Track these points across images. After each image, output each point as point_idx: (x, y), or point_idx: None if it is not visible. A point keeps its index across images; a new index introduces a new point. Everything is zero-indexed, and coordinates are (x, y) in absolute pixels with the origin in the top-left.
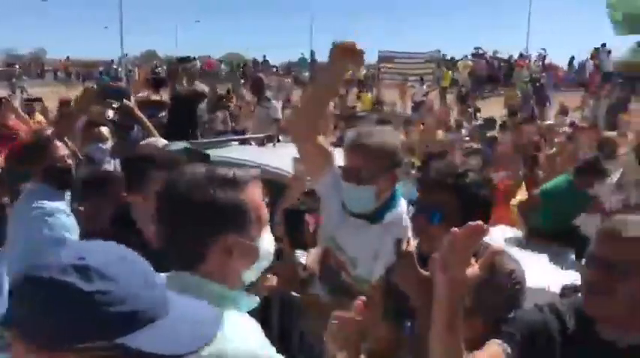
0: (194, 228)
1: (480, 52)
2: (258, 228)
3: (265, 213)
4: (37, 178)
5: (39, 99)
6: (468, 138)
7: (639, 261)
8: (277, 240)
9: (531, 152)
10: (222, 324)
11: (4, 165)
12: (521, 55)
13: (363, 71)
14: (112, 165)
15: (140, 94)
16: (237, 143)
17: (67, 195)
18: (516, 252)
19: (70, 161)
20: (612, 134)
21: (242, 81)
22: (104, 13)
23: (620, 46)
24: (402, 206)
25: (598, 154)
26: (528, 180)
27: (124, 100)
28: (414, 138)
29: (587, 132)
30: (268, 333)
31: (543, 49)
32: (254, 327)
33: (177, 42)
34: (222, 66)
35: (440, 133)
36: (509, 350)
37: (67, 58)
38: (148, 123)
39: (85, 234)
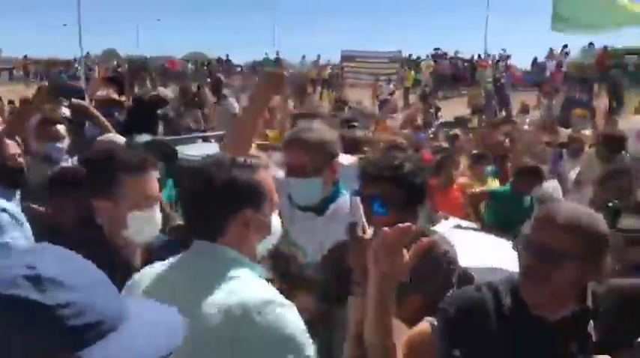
0: (218, 203)
1: (440, 52)
2: (270, 207)
3: (276, 195)
4: None
5: None
6: (432, 136)
7: (572, 248)
8: None
9: (502, 151)
10: (181, 329)
11: None
12: (479, 56)
13: (328, 70)
14: (70, 163)
15: (99, 93)
16: (200, 140)
17: (17, 194)
18: (468, 235)
19: (21, 160)
20: (567, 131)
21: (208, 79)
22: (62, 12)
23: (577, 47)
24: (345, 196)
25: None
26: (501, 178)
27: (73, 99)
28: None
29: (535, 132)
30: None
31: (504, 49)
32: (265, 283)
33: (139, 41)
34: (190, 65)
35: (403, 131)
36: (435, 322)
37: (25, 56)
38: (105, 121)
39: (46, 236)
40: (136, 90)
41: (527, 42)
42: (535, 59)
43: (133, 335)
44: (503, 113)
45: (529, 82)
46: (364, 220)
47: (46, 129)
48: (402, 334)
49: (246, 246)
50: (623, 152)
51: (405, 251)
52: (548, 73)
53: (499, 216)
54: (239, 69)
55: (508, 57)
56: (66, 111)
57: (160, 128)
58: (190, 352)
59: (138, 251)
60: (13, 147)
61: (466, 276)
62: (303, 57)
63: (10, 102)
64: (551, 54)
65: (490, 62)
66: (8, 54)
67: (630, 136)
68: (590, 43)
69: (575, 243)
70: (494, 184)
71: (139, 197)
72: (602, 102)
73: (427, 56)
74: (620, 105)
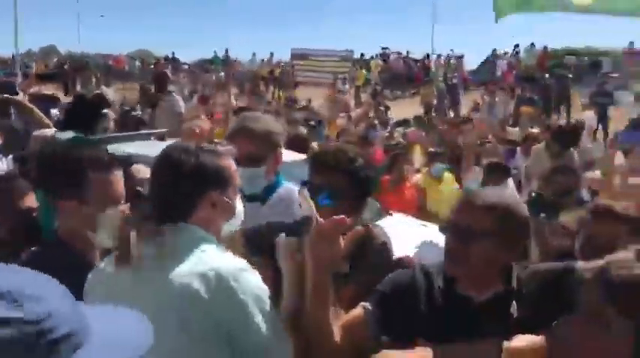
0: (187, 186)
1: (388, 51)
2: (234, 191)
3: (238, 180)
4: None
5: None
6: (388, 135)
7: (488, 227)
8: None
9: (458, 150)
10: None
11: None
12: (427, 56)
13: (278, 69)
14: (5, 163)
15: (33, 89)
16: (153, 138)
17: None
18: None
19: None
20: (514, 130)
21: None
22: None
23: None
24: (286, 186)
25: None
26: (457, 176)
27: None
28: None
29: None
30: None
31: (452, 49)
32: (233, 255)
33: (80, 37)
34: (137, 62)
35: (353, 129)
36: (369, 306)
37: None
38: (41, 115)
39: None
40: (78, 88)
41: (474, 42)
42: (487, 59)
43: (101, 346)
44: (452, 113)
45: (476, 81)
46: (315, 211)
47: None
48: (339, 320)
49: (213, 226)
50: (572, 149)
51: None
52: (499, 73)
53: None
54: (186, 67)
55: (461, 56)
56: None
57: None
58: (163, 317)
59: (98, 252)
60: None
61: (403, 267)
62: (254, 55)
63: None
64: (494, 54)
65: (442, 61)
66: None
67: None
68: (532, 44)
69: (491, 222)
70: (449, 181)
71: (106, 196)
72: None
73: (375, 55)
74: (568, 104)
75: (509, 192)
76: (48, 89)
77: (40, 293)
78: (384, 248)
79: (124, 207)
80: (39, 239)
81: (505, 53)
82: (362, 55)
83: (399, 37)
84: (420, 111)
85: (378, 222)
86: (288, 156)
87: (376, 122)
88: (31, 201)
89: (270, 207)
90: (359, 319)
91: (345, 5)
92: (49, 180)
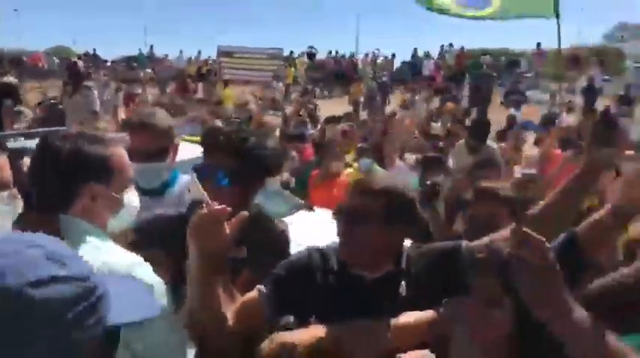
0: (63, 175)
1: (314, 50)
2: (122, 183)
3: (130, 173)
4: None
5: None
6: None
7: (373, 209)
8: None
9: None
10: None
11: None
12: (353, 54)
13: (206, 67)
14: None
15: None
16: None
17: None
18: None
19: None
20: (437, 126)
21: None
22: None
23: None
24: (182, 179)
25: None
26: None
27: None
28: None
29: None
30: None
31: (377, 49)
32: (122, 248)
33: None
34: (55, 59)
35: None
36: (264, 289)
37: None
38: None
39: None
40: None
41: (397, 42)
42: (412, 57)
43: (121, 308)
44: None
45: (398, 80)
46: (205, 194)
47: None
48: (234, 304)
49: (97, 220)
50: (488, 142)
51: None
52: (427, 72)
53: None
54: (109, 63)
55: (393, 56)
56: None
57: None
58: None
59: None
60: None
61: None
62: (181, 52)
63: None
64: (416, 54)
65: (369, 60)
66: None
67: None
68: (450, 44)
69: (376, 204)
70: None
71: None
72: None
73: (302, 53)
74: (488, 101)
75: (399, 177)
76: None
77: (67, 253)
78: (282, 235)
79: (14, 191)
80: None
81: (427, 53)
82: (291, 52)
83: (326, 35)
84: (349, 109)
85: (295, 216)
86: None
87: (307, 120)
88: None
89: (168, 202)
90: (253, 302)
91: (274, 3)
92: None
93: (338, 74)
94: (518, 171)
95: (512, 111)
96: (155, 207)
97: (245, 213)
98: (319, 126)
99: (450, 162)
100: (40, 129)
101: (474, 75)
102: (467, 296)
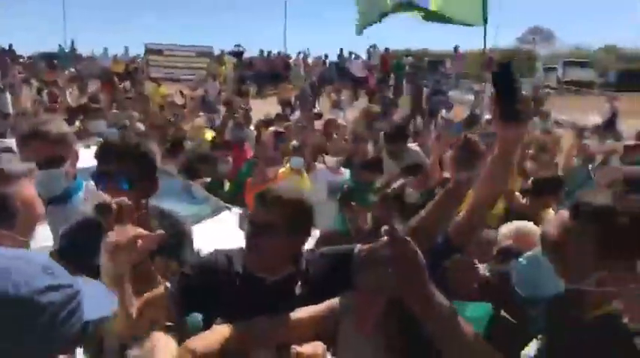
0: None
1: (241, 49)
2: (29, 222)
3: (39, 208)
4: None
5: None
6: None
7: (277, 222)
8: None
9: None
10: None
11: None
12: (279, 53)
13: (134, 65)
14: None
15: None
16: None
17: None
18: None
19: None
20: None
21: None
22: None
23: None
24: (87, 184)
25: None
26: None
27: None
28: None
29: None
30: None
31: (307, 48)
32: None
33: None
34: None
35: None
36: (168, 284)
37: None
38: None
39: None
40: None
41: (324, 42)
42: (338, 57)
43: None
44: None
45: (326, 80)
46: (104, 195)
47: None
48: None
49: None
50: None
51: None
52: (357, 73)
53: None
54: (27, 59)
55: (327, 56)
56: None
57: None
58: None
59: None
60: None
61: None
62: (105, 49)
63: None
64: (341, 54)
65: (301, 60)
66: None
67: None
68: (373, 45)
69: (279, 216)
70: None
71: None
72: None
73: (228, 52)
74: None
75: (296, 187)
76: None
77: (59, 266)
78: (184, 234)
79: None
80: None
81: (351, 53)
82: (222, 51)
83: (254, 34)
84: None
85: (216, 218)
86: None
87: (243, 122)
88: None
89: (72, 209)
90: (158, 297)
91: (202, 2)
92: None
93: (272, 74)
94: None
95: (443, 113)
96: (58, 215)
97: (162, 232)
98: (252, 128)
99: None
100: None
101: (398, 75)
102: (357, 291)
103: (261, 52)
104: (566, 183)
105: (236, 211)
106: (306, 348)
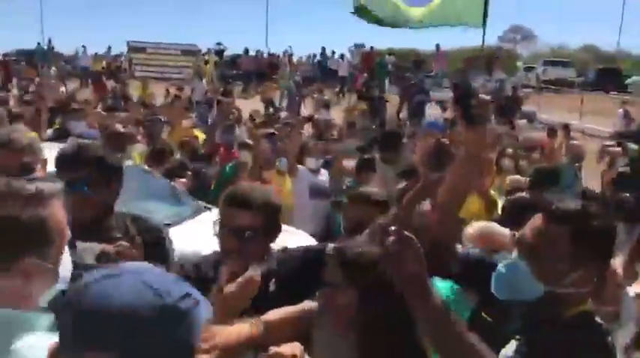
0: None
1: (222, 47)
2: (59, 247)
3: (67, 230)
4: None
5: None
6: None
7: (260, 223)
8: None
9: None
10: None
11: None
12: (260, 52)
13: (116, 63)
14: None
15: None
16: None
17: None
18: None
19: None
20: None
21: None
22: None
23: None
24: None
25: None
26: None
27: None
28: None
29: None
30: None
31: (290, 46)
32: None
33: None
34: None
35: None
36: None
37: None
38: None
39: None
40: None
41: (306, 40)
42: (321, 56)
43: None
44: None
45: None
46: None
47: None
48: None
49: (24, 303)
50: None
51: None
52: (342, 72)
53: None
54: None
55: (315, 56)
56: None
57: None
58: None
59: None
60: None
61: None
62: (84, 47)
63: None
64: (324, 52)
65: (287, 59)
66: None
67: None
68: (355, 44)
69: (262, 218)
70: None
71: None
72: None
73: (210, 50)
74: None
75: (267, 188)
76: None
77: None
78: (165, 237)
79: None
80: None
81: (334, 52)
82: (209, 49)
83: (235, 32)
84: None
85: (197, 218)
86: None
87: (235, 124)
88: None
89: None
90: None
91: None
92: None
93: (257, 73)
94: None
95: (427, 113)
96: None
97: (257, 275)
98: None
99: None
100: None
101: (380, 74)
102: (327, 287)
103: (247, 50)
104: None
105: (217, 212)
106: (284, 348)
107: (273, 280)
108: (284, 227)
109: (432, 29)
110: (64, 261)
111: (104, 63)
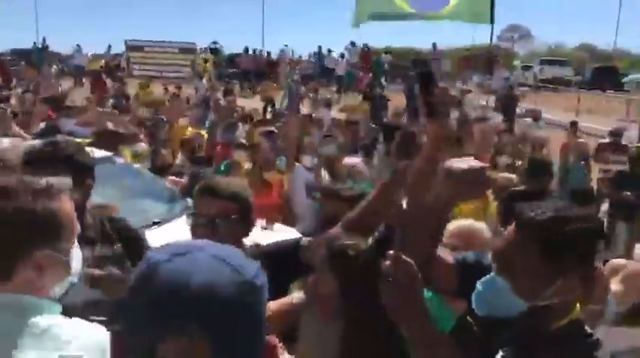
0: (2, 240)
1: (218, 46)
2: (70, 240)
3: (77, 224)
4: None
5: None
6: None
7: (228, 214)
8: None
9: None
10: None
11: None
12: (259, 51)
13: (115, 62)
14: None
15: None
16: None
17: None
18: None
19: None
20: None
21: None
22: None
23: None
24: None
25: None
26: None
27: None
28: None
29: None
30: None
31: (286, 45)
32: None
33: None
34: None
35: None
36: None
37: None
38: None
39: None
40: None
41: (303, 39)
42: (316, 55)
43: None
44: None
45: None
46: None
47: None
48: None
49: (38, 294)
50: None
51: None
52: (340, 71)
53: None
54: None
55: (315, 54)
56: None
57: None
58: None
59: None
60: None
61: None
62: (78, 46)
63: None
64: (320, 52)
65: (286, 58)
66: None
67: None
68: (352, 43)
69: (223, 205)
70: None
71: None
72: None
73: (205, 49)
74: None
75: (240, 181)
76: None
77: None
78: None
79: None
80: None
81: (330, 51)
82: (206, 48)
83: (231, 31)
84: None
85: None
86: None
87: (238, 123)
88: None
89: None
90: None
91: None
92: None
93: (257, 72)
94: None
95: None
96: None
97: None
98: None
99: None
100: None
101: (377, 73)
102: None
103: (247, 49)
104: (565, 180)
105: None
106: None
107: None
108: (275, 225)
109: (429, 28)
110: (74, 254)
111: (102, 62)
